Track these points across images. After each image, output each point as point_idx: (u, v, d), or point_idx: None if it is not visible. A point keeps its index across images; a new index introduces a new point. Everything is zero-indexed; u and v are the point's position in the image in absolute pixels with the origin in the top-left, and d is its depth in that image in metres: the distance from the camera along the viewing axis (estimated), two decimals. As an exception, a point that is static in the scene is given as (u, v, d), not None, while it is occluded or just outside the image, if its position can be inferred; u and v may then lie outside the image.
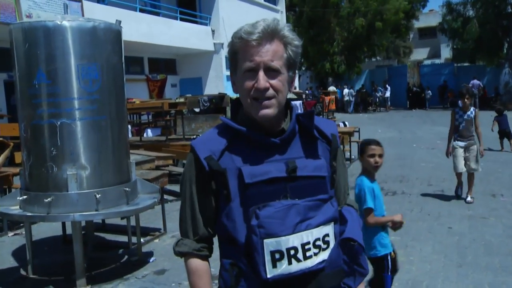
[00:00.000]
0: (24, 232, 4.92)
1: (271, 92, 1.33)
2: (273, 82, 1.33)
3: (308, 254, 1.30)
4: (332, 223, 1.37)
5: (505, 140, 11.38)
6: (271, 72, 1.33)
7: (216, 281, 1.47)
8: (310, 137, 1.43)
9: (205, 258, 1.45)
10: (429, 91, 26.29)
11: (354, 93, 27.07)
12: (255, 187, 1.32)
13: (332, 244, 1.36)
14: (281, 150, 1.38)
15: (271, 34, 1.32)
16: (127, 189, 4.38)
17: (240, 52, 1.35)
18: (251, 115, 1.38)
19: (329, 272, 1.35)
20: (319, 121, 1.47)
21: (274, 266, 1.29)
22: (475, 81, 23.63)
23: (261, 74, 1.32)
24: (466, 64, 28.74)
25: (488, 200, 6.71)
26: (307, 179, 1.36)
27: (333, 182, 1.46)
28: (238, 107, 1.44)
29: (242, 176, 1.32)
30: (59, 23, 3.94)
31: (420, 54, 40.48)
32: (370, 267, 2.41)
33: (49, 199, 3.99)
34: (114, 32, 4.36)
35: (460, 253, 4.68)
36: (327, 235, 1.35)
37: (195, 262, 1.44)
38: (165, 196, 7.04)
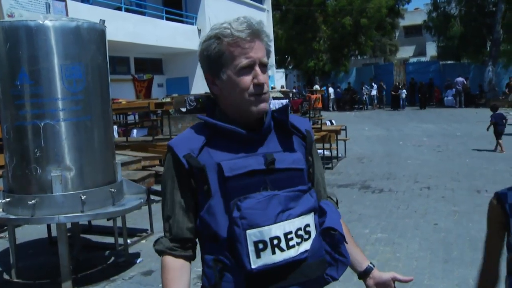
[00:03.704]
0: (7, 235, 4.86)
1: (266, 87, 1.38)
2: (265, 76, 1.38)
3: (291, 243, 1.32)
4: (312, 213, 1.40)
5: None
6: (262, 67, 1.37)
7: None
8: (286, 132, 1.46)
9: (179, 256, 1.44)
10: (404, 90, 25.40)
11: (335, 91, 27.07)
12: (235, 180, 1.33)
13: (313, 234, 1.38)
14: (259, 144, 1.41)
15: (256, 31, 1.36)
16: (113, 190, 4.35)
17: (229, 50, 1.35)
18: (236, 112, 1.40)
19: (312, 262, 1.37)
20: (293, 118, 1.51)
21: (258, 256, 1.30)
22: (459, 79, 23.92)
23: (258, 69, 1.36)
24: (451, 61, 29.05)
25: (473, 196, 6.79)
26: (285, 172, 1.38)
27: (310, 175, 1.49)
28: (214, 107, 1.46)
29: (221, 170, 1.34)
30: (41, 22, 3.89)
31: (406, 52, 40.82)
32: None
33: (33, 201, 3.94)
34: (98, 32, 4.32)
35: (446, 249, 4.72)
36: (308, 225, 1.37)
37: (166, 259, 1.44)
38: (152, 197, 6.99)
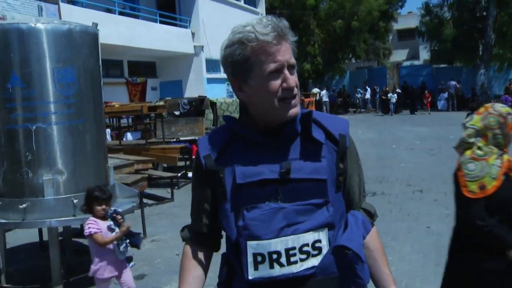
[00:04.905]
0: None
1: (296, 89, 1.33)
2: (294, 78, 1.32)
3: (292, 259, 1.28)
4: (326, 229, 1.32)
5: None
6: (291, 69, 1.32)
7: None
8: (312, 138, 1.37)
9: (197, 245, 1.49)
10: (394, 95, 24.33)
11: (329, 94, 27.02)
12: (247, 188, 1.31)
13: (325, 251, 1.32)
14: (280, 151, 1.35)
15: (282, 32, 1.30)
16: (105, 193, 4.32)
17: (255, 55, 1.29)
18: (265, 118, 1.35)
19: (320, 279, 1.30)
20: (328, 120, 1.43)
21: (256, 268, 1.28)
22: (452, 82, 24.09)
23: (287, 72, 1.30)
24: (444, 65, 29.23)
25: (466, 199, 6.81)
26: (301, 182, 1.32)
27: (339, 185, 1.40)
28: (244, 111, 1.41)
29: (235, 176, 1.33)
30: (33, 25, 3.87)
31: (399, 55, 41.06)
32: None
33: (24, 205, 3.92)
34: (90, 35, 4.31)
35: (438, 252, 4.73)
36: (319, 241, 1.31)
37: (186, 248, 1.50)
38: (145, 200, 6.98)
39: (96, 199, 3.58)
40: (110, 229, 3.55)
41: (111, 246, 3.55)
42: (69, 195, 4.03)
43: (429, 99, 24.08)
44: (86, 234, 3.53)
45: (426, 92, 24.73)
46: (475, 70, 25.42)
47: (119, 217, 3.59)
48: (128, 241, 3.62)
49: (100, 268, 3.55)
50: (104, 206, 3.60)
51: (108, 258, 3.56)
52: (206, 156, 1.38)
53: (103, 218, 3.60)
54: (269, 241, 1.27)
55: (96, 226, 3.52)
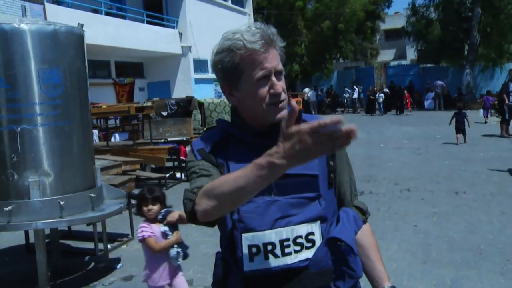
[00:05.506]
0: (-16, 242, 4.77)
1: (283, 94, 1.38)
2: (281, 83, 1.38)
3: (287, 250, 1.32)
4: (319, 222, 1.37)
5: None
6: (278, 75, 1.38)
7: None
8: None
9: None
10: (381, 94, 24.25)
11: (317, 94, 27.06)
12: None
13: (318, 243, 1.36)
14: None
15: (269, 40, 1.35)
16: (92, 195, 4.29)
17: (244, 62, 1.34)
18: (255, 121, 1.40)
19: (313, 271, 1.34)
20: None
21: (251, 260, 1.32)
22: (438, 82, 24.33)
23: (274, 79, 1.36)
24: (430, 65, 29.52)
25: (452, 197, 6.90)
26: (294, 177, 1.36)
27: (330, 181, 1.46)
28: (235, 114, 1.47)
29: (229, 171, 1.36)
30: (16, 26, 3.83)
31: (386, 55, 41.35)
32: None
33: (9, 207, 3.87)
34: (76, 36, 4.28)
35: (425, 250, 4.79)
36: (312, 233, 1.35)
37: (208, 183, 1.29)
38: (132, 201, 6.94)
39: (143, 198, 3.35)
40: (165, 235, 3.27)
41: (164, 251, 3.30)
42: (55, 197, 3.99)
43: (409, 100, 24.02)
44: (139, 238, 3.30)
45: (406, 92, 24.59)
46: (461, 70, 25.72)
47: (170, 217, 3.21)
48: (180, 249, 3.32)
49: (155, 276, 3.30)
50: (150, 207, 3.32)
51: (162, 264, 3.31)
52: (199, 150, 1.43)
53: (155, 220, 3.32)
54: (264, 232, 1.31)
55: (150, 230, 3.28)
